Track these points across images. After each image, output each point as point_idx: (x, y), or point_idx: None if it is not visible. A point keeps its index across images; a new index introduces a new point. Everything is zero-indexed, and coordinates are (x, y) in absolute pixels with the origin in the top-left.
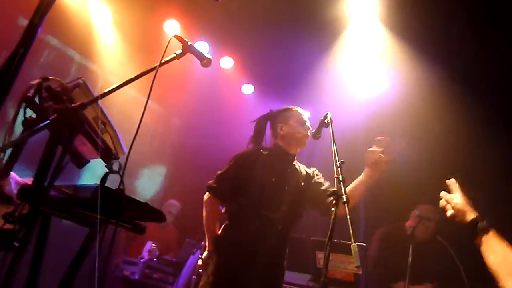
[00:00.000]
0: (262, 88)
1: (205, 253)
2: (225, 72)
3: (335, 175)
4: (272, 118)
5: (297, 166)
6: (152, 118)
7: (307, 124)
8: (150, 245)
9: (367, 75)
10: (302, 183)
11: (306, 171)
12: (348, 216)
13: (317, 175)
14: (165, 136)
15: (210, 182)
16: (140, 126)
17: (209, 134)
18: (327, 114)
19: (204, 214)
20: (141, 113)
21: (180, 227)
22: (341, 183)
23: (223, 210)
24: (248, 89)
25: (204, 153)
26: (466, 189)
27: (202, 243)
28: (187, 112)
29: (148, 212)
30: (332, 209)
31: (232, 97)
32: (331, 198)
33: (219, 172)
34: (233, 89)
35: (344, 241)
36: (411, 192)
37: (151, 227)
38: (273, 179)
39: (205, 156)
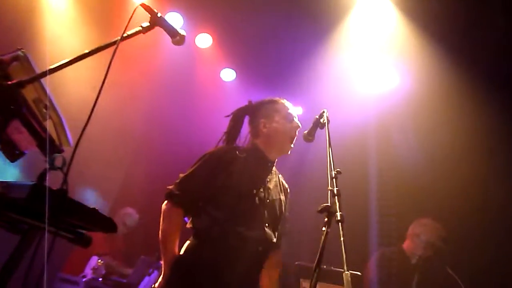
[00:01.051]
0: (245, 75)
1: (160, 279)
2: (201, 53)
3: (329, 187)
4: (252, 111)
5: (276, 176)
6: (109, 106)
7: (296, 120)
8: (95, 261)
9: (373, 67)
10: (283, 198)
11: (284, 185)
12: (342, 238)
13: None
14: (123, 129)
15: (170, 187)
16: (93, 114)
17: (179, 128)
18: (323, 112)
19: (161, 227)
20: (95, 98)
21: (137, 241)
22: (336, 197)
23: (188, 224)
24: (228, 75)
25: (172, 152)
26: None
27: (161, 262)
28: (152, 100)
29: (96, 220)
30: (323, 228)
31: (208, 84)
32: (324, 214)
33: (183, 174)
34: (210, 75)
35: (335, 268)
36: (415, 201)
37: (98, 238)
38: (254, 190)
39: (173, 156)
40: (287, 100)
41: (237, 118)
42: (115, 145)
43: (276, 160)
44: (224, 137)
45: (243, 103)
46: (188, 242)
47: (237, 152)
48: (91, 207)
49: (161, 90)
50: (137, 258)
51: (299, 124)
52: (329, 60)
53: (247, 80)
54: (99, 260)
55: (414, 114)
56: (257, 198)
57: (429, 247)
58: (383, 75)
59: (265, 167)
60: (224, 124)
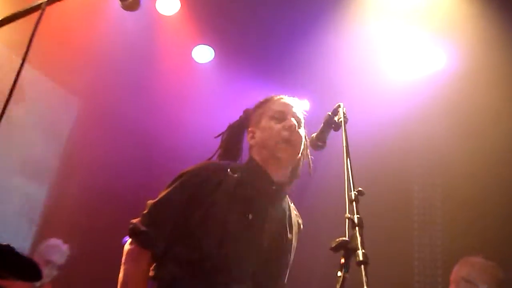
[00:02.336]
0: (227, 54)
1: None
2: (165, 23)
3: (347, 214)
4: (246, 122)
5: (285, 204)
6: (34, 94)
7: (292, 119)
8: None
9: (410, 45)
10: (290, 236)
11: (296, 217)
12: (365, 286)
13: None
14: (51, 125)
15: (135, 221)
16: (10, 103)
17: (135, 126)
18: (338, 107)
19: (122, 276)
20: (12, 84)
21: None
22: (357, 228)
23: (151, 273)
24: (203, 54)
25: (124, 158)
26: None
27: None
28: (96, 88)
29: (12, 264)
30: (339, 273)
31: (176, 67)
32: (340, 253)
33: (151, 201)
34: (178, 53)
35: None
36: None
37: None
38: (246, 226)
39: (126, 164)
40: (289, 93)
41: (233, 136)
42: (37, 145)
43: (284, 177)
44: (216, 158)
45: (223, 93)
46: None
47: (228, 170)
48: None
49: (108, 73)
50: None
51: (294, 122)
52: (347, 35)
53: (229, 62)
54: None
55: (463, 109)
56: (250, 238)
57: None
58: (422, 55)
59: (267, 190)
60: (196, 123)
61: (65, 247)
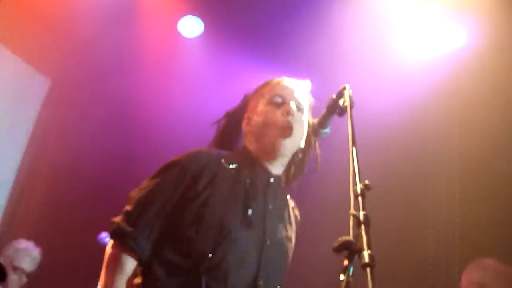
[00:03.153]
0: (218, 28)
1: None
2: None
3: (352, 211)
4: (244, 109)
5: (284, 197)
6: None
7: (292, 103)
8: None
9: (425, 20)
10: (290, 234)
11: (296, 216)
12: None
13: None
14: (19, 108)
15: (117, 219)
16: None
17: (113, 109)
18: (343, 89)
19: (102, 283)
20: None
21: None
22: (363, 226)
23: (136, 280)
24: (191, 27)
25: (101, 147)
26: None
27: None
28: (68, 66)
29: None
30: (341, 276)
31: (159, 42)
32: (343, 253)
33: (135, 195)
34: (162, 27)
35: None
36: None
37: None
38: (244, 224)
39: (104, 154)
40: (287, 74)
41: (230, 123)
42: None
43: (282, 169)
44: (211, 146)
45: (213, 72)
46: None
47: (222, 161)
48: None
49: (83, 49)
50: None
51: (293, 107)
52: (354, 7)
53: (220, 36)
54: None
55: (487, 87)
56: (250, 237)
57: None
58: (439, 31)
59: (265, 184)
60: (183, 107)
61: (36, 252)
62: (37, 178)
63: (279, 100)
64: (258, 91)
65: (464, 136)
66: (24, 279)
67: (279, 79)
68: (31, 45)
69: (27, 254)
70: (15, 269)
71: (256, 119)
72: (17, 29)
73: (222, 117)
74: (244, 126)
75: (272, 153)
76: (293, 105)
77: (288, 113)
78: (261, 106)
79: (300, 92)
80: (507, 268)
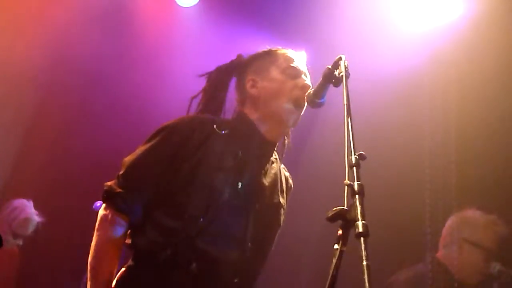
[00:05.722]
0: None
1: None
2: None
3: (346, 180)
4: (241, 69)
5: (276, 165)
6: None
7: (305, 77)
8: None
9: None
10: (282, 201)
11: (286, 178)
12: (364, 262)
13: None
14: (15, 70)
15: (109, 183)
16: None
17: (108, 77)
18: (339, 60)
19: (93, 244)
20: None
21: (40, 259)
22: (357, 196)
23: (127, 240)
24: None
25: (99, 117)
26: None
27: None
28: (61, 39)
29: None
30: (336, 245)
31: (154, 12)
32: (337, 223)
33: (128, 159)
34: None
35: None
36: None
37: None
38: (236, 188)
39: (101, 123)
40: (284, 44)
41: (218, 80)
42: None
43: (281, 137)
44: (199, 108)
45: (210, 43)
46: (123, 269)
47: (214, 126)
48: None
49: (74, 22)
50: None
51: (309, 83)
52: None
53: (217, 6)
54: None
55: (484, 55)
56: (240, 201)
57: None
58: (437, 1)
59: (260, 150)
60: (177, 80)
61: (35, 216)
62: (36, 144)
63: (293, 72)
64: (265, 56)
65: (462, 109)
66: (20, 242)
67: (286, 49)
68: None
69: (29, 221)
70: (14, 234)
71: (267, 84)
72: (11, 4)
73: (212, 71)
74: (249, 87)
75: (277, 122)
76: (307, 80)
77: (304, 87)
78: (274, 72)
79: (305, 66)
80: (492, 219)
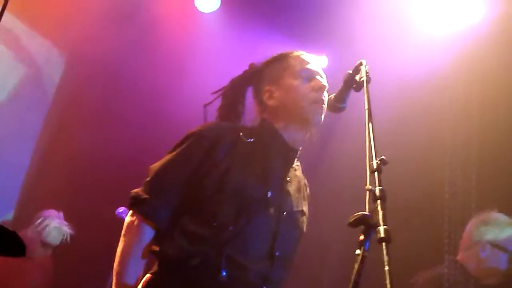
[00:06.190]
0: (235, 2)
1: None
2: None
3: (368, 186)
4: (256, 78)
5: (299, 173)
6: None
7: (321, 79)
8: None
9: None
10: (305, 208)
11: (306, 185)
12: (386, 267)
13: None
14: (38, 83)
15: (136, 190)
16: None
17: (131, 83)
18: (360, 65)
19: (118, 250)
20: None
21: (68, 268)
22: (379, 201)
23: (153, 247)
24: (208, 1)
25: (120, 122)
26: None
27: None
28: (85, 41)
29: None
30: (357, 251)
31: (176, 16)
32: (359, 228)
33: (155, 166)
34: (178, 1)
35: None
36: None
37: (7, 261)
38: (266, 196)
39: (123, 128)
40: (303, 49)
41: (234, 92)
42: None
43: (303, 143)
44: (217, 119)
45: (231, 48)
46: (148, 276)
47: (240, 134)
48: None
49: (99, 23)
50: None
51: (325, 83)
52: None
53: (237, 11)
54: None
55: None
56: (269, 209)
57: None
58: (459, 4)
59: (285, 157)
60: (199, 84)
61: (64, 227)
62: (55, 157)
63: (307, 74)
64: (277, 63)
65: (484, 111)
66: (50, 251)
67: (298, 52)
68: (47, 20)
69: (58, 231)
70: (44, 244)
71: (284, 93)
72: (33, 3)
73: (227, 85)
74: (267, 99)
75: (299, 127)
76: (322, 80)
77: (321, 88)
78: (288, 79)
79: (321, 67)
80: (509, 220)
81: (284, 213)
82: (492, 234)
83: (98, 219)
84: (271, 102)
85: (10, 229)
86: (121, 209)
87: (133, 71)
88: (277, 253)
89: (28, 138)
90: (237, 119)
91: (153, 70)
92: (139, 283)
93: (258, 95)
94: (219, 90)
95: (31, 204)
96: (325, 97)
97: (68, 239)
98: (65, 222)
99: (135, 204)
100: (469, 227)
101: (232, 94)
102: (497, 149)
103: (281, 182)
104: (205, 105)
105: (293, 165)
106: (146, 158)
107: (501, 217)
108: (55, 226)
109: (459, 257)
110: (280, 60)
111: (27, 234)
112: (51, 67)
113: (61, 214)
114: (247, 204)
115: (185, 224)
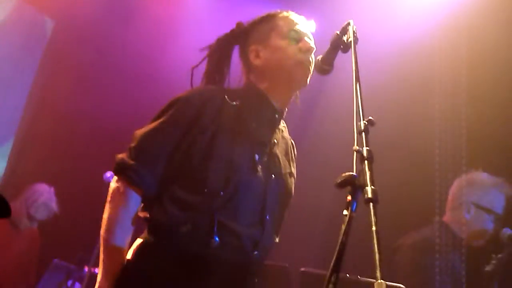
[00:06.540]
0: None
1: None
2: None
3: (355, 146)
4: (243, 38)
5: (285, 134)
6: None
7: (308, 39)
8: None
9: None
10: (293, 169)
11: (293, 146)
12: (374, 227)
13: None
14: (23, 50)
15: (121, 156)
16: None
17: (118, 56)
18: (347, 25)
19: (104, 217)
20: None
21: (49, 234)
22: (366, 162)
23: (140, 213)
24: None
25: (106, 90)
26: None
27: (87, 270)
28: (71, 7)
29: None
30: (345, 211)
31: None
32: (346, 189)
33: (140, 132)
34: None
35: (362, 278)
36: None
37: None
38: (253, 159)
39: (108, 96)
40: (290, 9)
41: (220, 51)
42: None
43: (288, 105)
44: (202, 80)
45: (220, 12)
46: (139, 242)
47: (225, 97)
48: None
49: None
50: (48, 262)
51: (312, 45)
52: None
53: None
54: None
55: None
56: (258, 173)
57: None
58: None
59: (270, 119)
60: (188, 43)
61: (53, 203)
62: (42, 120)
63: (295, 35)
64: (264, 22)
65: (472, 72)
66: (35, 225)
67: (287, 13)
68: None
69: (45, 207)
70: (30, 217)
71: (270, 53)
72: None
73: (213, 44)
74: (253, 59)
75: (285, 89)
76: (311, 42)
77: (308, 50)
78: (275, 40)
79: (309, 28)
80: (500, 182)
81: (273, 176)
82: (476, 195)
83: (85, 184)
84: (257, 62)
85: None
86: (108, 174)
87: (122, 35)
88: (267, 217)
89: (17, 102)
90: (222, 80)
91: (142, 33)
92: (128, 246)
93: (244, 54)
94: (205, 48)
95: (19, 170)
96: (312, 59)
97: (55, 215)
98: (54, 198)
99: (120, 170)
100: (454, 188)
101: (218, 52)
102: (486, 108)
103: (268, 144)
104: (193, 68)
105: (280, 127)
106: (133, 123)
107: (486, 177)
108: (43, 202)
109: (445, 218)
110: (268, 20)
111: (15, 205)
112: (39, 31)
113: (52, 189)
114: (235, 169)
115: (174, 190)
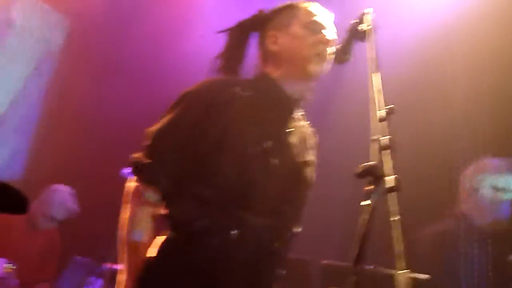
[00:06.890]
0: None
1: None
2: None
3: (373, 136)
4: (261, 25)
5: (302, 123)
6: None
7: (328, 32)
8: (1, 265)
9: None
10: (312, 157)
11: (312, 134)
12: (396, 216)
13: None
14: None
15: (136, 155)
16: None
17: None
18: (365, 14)
19: (123, 217)
20: None
21: (69, 231)
22: (385, 150)
23: (162, 211)
24: None
25: (120, 89)
26: None
27: (108, 266)
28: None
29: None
30: (366, 201)
31: None
32: (366, 179)
33: (153, 129)
34: None
35: (383, 269)
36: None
37: (12, 229)
38: (266, 150)
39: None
40: (316, 4)
41: (238, 36)
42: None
43: (306, 95)
44: (218, 65)
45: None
46: (161, 239)
47: (238, 88)
48: None
49: None
50: (68, 259)
51: (331, 37)
52: None
53: None
54: (7, 265)
55: None
56: (272, 163)
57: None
58: None
59: (285, 109)
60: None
61: (72, 204)
62: (60, 120)
63: (315, 26)
64: (287, 10)
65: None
66: (55, 225)
67: (309, 3)
68: None
69: (63, 207)
70: (49, 217)
71: (289, 40)
72: None
73: (233, 26)
74: (270, 44)
75: (300, 78)
76: (330, 35)
77: (327, 43)
78: (295, 28)
79: (332, 21)
80: (508, 163)
81: (288, 165)
82: (491, 178)
83: (104, 181)
84: (274, 48)
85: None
86: (125, 170)
87: (137, 31)
88: (285, 207)
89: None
90: (237, 67)
91: (158, 29)
92: (149, 242)
93: (262, 40)
94: (226, 30)
95: (39, 166)
96: (330, 52)
97: (73, 216)
98: (72, 198)
99: (137, 169)
100: (466, 178)
101: (237, 35)
102: (510, 99)
103: (282, 133)
104: (216, 57)
105: (295, 115)
106: (151, 117)
107: (497, 161)
108: (60, 202)
109: (461, 209)
110: (290, 8)
111: (33, 206)
112: (55, 31)
113: (70, 189)
114: (248, 161)
115: (191, 186)
